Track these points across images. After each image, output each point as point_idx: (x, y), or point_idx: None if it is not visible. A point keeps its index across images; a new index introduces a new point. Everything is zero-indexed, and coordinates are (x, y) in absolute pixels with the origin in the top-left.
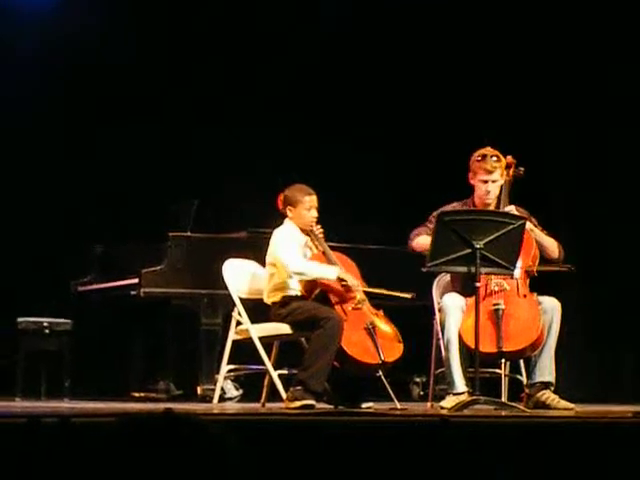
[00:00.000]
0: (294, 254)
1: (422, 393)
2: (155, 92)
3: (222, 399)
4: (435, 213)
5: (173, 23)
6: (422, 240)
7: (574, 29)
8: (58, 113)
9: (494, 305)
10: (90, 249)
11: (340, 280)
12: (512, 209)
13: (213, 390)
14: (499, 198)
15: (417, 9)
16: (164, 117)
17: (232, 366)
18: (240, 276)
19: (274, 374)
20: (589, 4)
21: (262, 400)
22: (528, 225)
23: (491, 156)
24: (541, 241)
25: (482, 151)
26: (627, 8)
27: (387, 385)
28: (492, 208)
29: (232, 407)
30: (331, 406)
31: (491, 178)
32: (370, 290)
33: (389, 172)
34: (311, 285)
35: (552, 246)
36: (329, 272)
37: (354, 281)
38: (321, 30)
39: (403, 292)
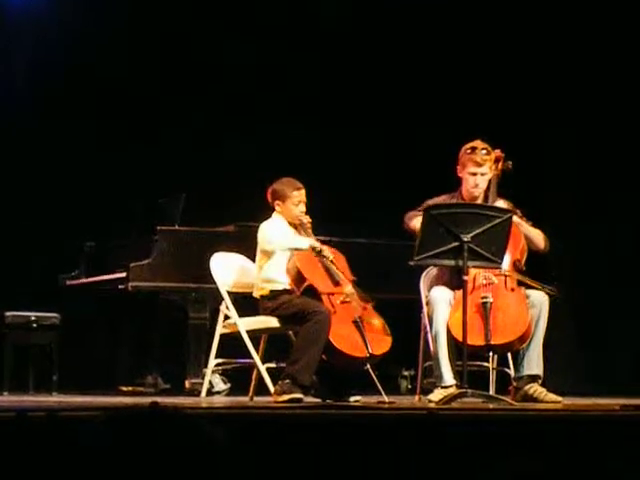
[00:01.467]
0: (272, 231)
1: (410, 386)
2: (144, 87)
3: (210, 393)
4: (428, 202)
5: (167, 17)
6: (416, 220)
7: (573, 27)
8: (50, 110)
9: (482, 298)
10: (78, 243)
11: (314, 249)
12: (500, 203)
13: (201, 384)
14: (487, 192)
15: (418, 7)
16: (152, 112)
17: (220, 360)
18: (228, 270)
19: (262, 368)
20: (589, 3)
21: (250, 394)
22: (515, 218)
23: (481, 149)
24: (527, 233)
25: (472, 144)
26: (626, 8)
27: (375, 378)
28: (480, 201)
29: (220, 401)
30: (319, 399)
31: (480, 171)
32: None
33: (380, 165)
34: (299, 278)
35: (538, 238)
36: (301, 242)
37: (327, 252)
38: (321, 28)
39: (367, 296)
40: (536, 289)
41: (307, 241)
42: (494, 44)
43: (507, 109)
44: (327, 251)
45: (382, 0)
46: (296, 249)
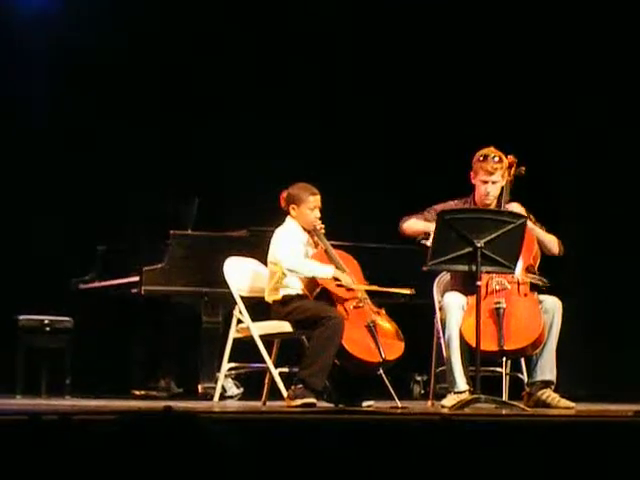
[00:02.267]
0: (290, 251)
1: (423, 392)
2: (155, 90)
3: (223, 397)
4: (435, 207)
5: (171, 17)
6: (413, 223)
7: (574, 26)
8: (59, 112)
9: (495, 304)
10: (91, 247)
11: (335, 279)
12: (514, 207)
13: (214, 388)
14: (500, 197)
15: (418, 9)
16: (164, 115)
17: (233, 364)
18: (241, 274)
19: (275, 372)
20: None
21: (263, 398)
22: (529, 224)
23: (493, 157)
24: (541, 238)
25: (484, 151)
26: (627, 7)
27: (388, 383)
28: (493, 207)
29: (233, 405)
30: (332, 404)
31: (491, 179)
32: (370, 288)
33: (391, 170)
34: (312, 283)
35: (552, 242)
36: (324, 271)
37: (348, 279)
38: (322, 30)
39: (403, 288)
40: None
41: (329, 269)
42: (504, 45)
43: (520, 112)
44: (347, 279)
45: (383, 1)
46: (316, 277)
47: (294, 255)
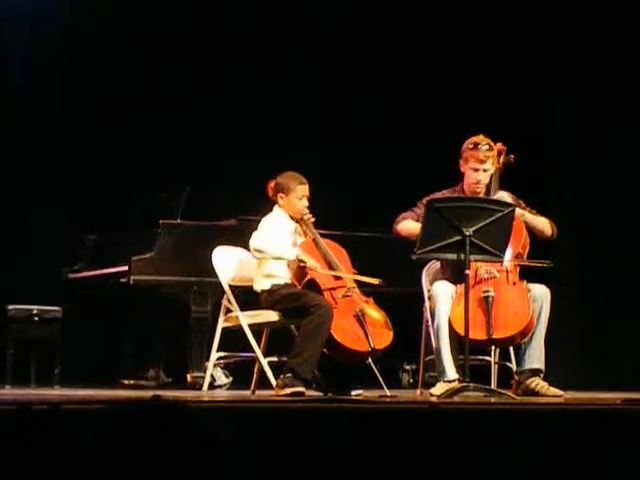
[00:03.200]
0: (262, 235)
1: (412, 380)
2: (145, 80)
3: (212, 387)
4: (424, 200)
5: (168, 14)
6: (407, 225)
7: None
8: (52, 103)
9: (484, 292)
10: (80, 236)
11: (300, 261)
12: (503, 195)
13: (203, 378)
14: (489, 185)
15: (418, 4)
16: (154, 106)
17: (222, 353)
18: (230, 263)
19: (264, 361)
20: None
21: (252, 387)
22: (518, 210)
23: (484, 144)
24: (533, 223)
25: (474, 139)
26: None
27: (377, 372)
28: (482, 195)
29: (222, 394)
30: (321, 393)
31: (482, 167)
32: (338, 274)
33: (381, 161)
34: (301, 272)
35: (544, 225)
36: (287, 252)
37: (314, 263)
38: (321, 30)
39: (372, 277)
40: (536, 275)
41: (294, 251)
42: (494, 38)
43: (509, 102)
44: (312, 261)
45: None
46: (280, 258)
47: (263, 238)
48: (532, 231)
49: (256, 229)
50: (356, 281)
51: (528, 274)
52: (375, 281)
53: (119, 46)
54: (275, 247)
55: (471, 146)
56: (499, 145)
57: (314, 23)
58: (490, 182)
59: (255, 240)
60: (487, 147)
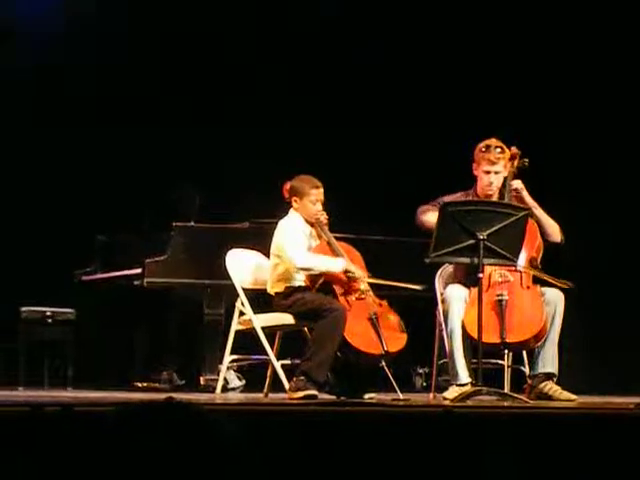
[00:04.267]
0: (299, 249)
1: (425, 384)
2: (158, 83)
3: (225, 389)
4: (443, 198)
5: (168, 16)
6: (432, 217)
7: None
8: (60, 103)
9: (497, 296)
10: (94, 239)
11: (346, 272)
12: (518, 183)
13: (216, 380)
14: (502, 189)
15: (420, 4)
16: (166, 107)
17: (235, 356)
18: (243, 266)
19: (277, 364)
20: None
21: (265, 390)
22: (530, 202)
23: (495, 147)
24: (544, 221)
25: (487, 142)
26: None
27: (390, 376)
28: (495, 199)
29: (235, 397)
30: (334, 397)
31: (494, 169)
32: (379, 282)
33: (393, 164)
34: (315, 275)
35: (554, 228)
36: (336, 265)
37: (360, 272)
38: (320, 30)
39: (412, 283)
40: (552, 285)
41: (340, 263)
42: (506, 39)
43: (524, 105)
44: (359, 271)
45: None
46: (329, 272)
47: (303, 253)
48: (541, 232)
49: (270, 232)
50: (370, 284)
51: (543, 280)
52: (417, 287)
53: (127, 47)
54: (322, 262)
55: (483, 149)
56: (513, 149)
57: (314, 23)
58: (504, 186)
59: (298, 258)
60: (499, 150)
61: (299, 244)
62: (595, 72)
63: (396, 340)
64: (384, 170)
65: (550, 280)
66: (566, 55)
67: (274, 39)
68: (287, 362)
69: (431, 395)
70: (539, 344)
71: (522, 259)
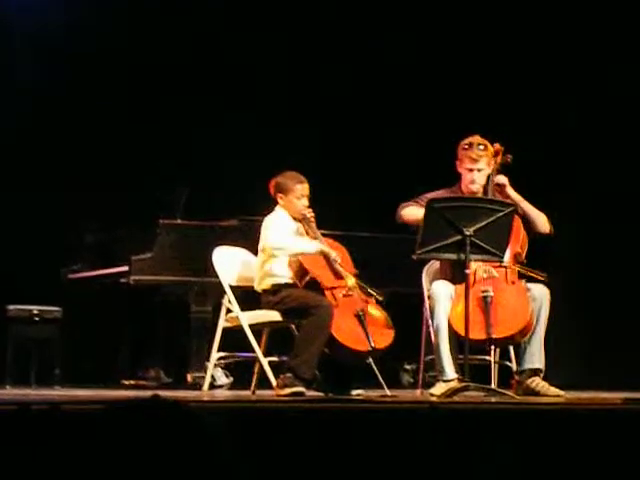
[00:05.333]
0: (277, 231)
1: (412, 380)
2: (147, 80)
3: (212, 387)
4: (427, 195)
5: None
6: (412, 210)
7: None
8: (52, 101)
9: (483, 292)
10: (80, 237)
11: (322, 254)
12: (503, 178)
13: (203, 378)
14: (486, 186)
15: (419, 5)
16: (156, 106)
17: (222, 353)
18: (230, 264)
19: (264, 361)
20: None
21: (252, 387)
22: (516, 197)
23: (478, 144)
24: (531, 213)
25: (469, 139)
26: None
27: (377, 372)
28: (479, 196)
29: (222, 394)
30: (321, 393)
31: (476, 167)
32: (349, 279)
33: (380, 160)
34: (302, 272)
35: (542, 219)
36: (310, 246)
37: (334, 254)
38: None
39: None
40: (536, 280)
41: (315, 245)
42: (496, 38)
43: (509, 102)
44: (335, 254)
45: None
46: (304, 253)
47: (279, 234)
48: (530, 225)
49: (258, 229)
50: (358, 281)
51: (539, 280)
52: (380, 297)
53: (122, 46)
54: (296, 243)
55: (466, 146)
56: (496, 145)
57: (314, 23)
58: (487, 183)
59: (274, 238)
60: (482, 147)
61: (280, 230)
62: (564, 72)
63: (383, 336)
64: (371, 165)
65: (528, 273)
66: (560, 49)
67: (274, 39)
68: (274, 359)
69: (418, 391)
70: (525, 339)
71: (507, 255)
